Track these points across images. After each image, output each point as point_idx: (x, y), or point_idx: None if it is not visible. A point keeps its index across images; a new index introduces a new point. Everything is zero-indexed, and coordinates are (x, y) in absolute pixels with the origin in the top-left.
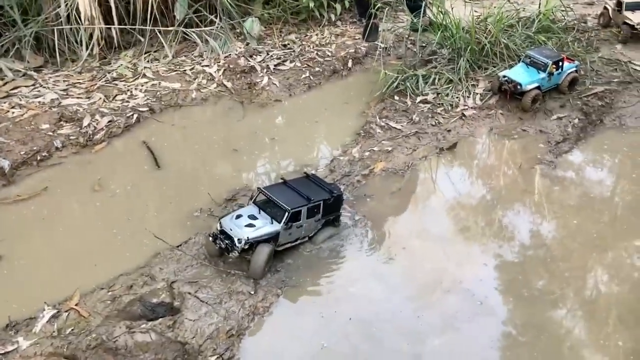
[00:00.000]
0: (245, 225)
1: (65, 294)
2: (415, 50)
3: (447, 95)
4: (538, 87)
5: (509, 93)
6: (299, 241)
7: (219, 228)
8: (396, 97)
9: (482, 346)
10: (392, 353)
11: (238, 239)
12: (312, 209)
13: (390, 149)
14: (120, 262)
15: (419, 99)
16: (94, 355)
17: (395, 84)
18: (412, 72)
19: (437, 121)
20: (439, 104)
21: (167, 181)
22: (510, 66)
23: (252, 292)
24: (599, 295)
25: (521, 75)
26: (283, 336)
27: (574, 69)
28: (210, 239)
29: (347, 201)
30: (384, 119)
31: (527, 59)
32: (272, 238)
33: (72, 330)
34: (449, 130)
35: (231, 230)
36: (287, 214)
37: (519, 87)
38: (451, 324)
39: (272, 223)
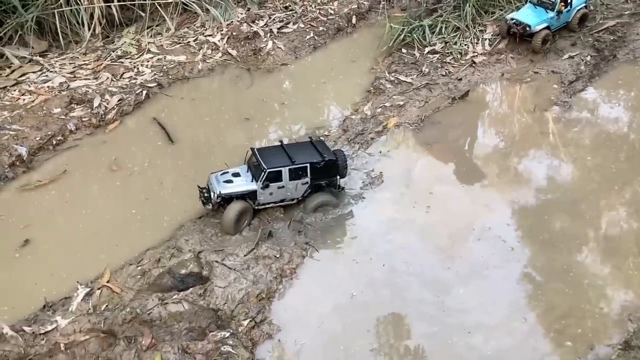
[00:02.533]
0: (224, 181)
1: (96, 272)
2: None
3: (455, 43)
4: (547, 27)
5: (518, 35)
6: (285, 202)
7: (207, 182)
8: (404, 50)
9: (506, 292)
10: (416, 303)
11: (214, 193)
12: (295, 171)
13: (402, 103)
14: (145, 237)
15: (427, 49)
16: (130, 329)
17: (401, 36)
18: (417, 22)
19: (447, 71)
20: (448, 53)
21: (182, 155)
22: (518, 8)
23: (278, 256)
24: (621, 232)
25: (529, 16)
26: (311, 293)
27: (583, 4)
28: (199, 189)
29: (362, 158)
30: (393, 74)
31: None
32: (248, 195)
33: (107, 306)
34: (460, 79)
35: (211, 184)
36: (263, 173)
37: (527, 28)
38: (479, 271)
39: (252, 182)
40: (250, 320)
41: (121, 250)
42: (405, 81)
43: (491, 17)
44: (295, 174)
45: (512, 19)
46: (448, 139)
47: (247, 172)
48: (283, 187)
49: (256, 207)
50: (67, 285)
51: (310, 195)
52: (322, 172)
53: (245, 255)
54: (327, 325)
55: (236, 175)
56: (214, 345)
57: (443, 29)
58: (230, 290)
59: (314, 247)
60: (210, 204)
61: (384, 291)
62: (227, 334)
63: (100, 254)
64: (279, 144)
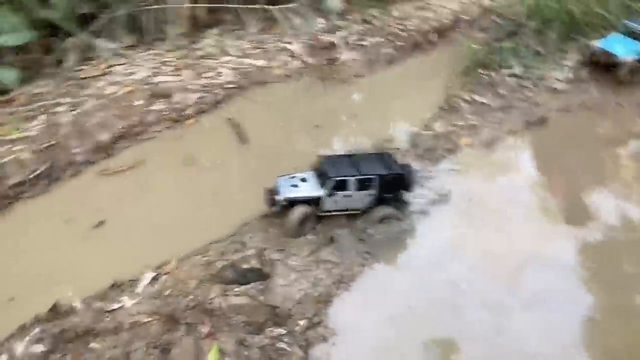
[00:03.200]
0: (291, 185)
1: (163, 258)
2: (500, 22)
3: (536, 68)
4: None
5: (603, 64)
6: (348, 211)
7: (275, 185)
8: (481, 71)
9: (567, 324)
10: (474, 323)
11: (279, 196)
12: (362, 181)
13: (475, 123)
14: (211, 230)
15: (505, 72)
16: (191, 316)
17: (480, 57)
18: (497, 44)
19: (524, 95)
20: (527, 77)
21: (252, 156)
22: (604, 36)
23: (338, 262)
24: None
25: (617, 45)
26: (368, 301)
27: None
28: (266, 190)
29: (430, 175)
30: (468, 93)
31: (624, 29)
32: (314, 201)
33: (171, 292)
34: (538, 104)
35: (278, 187)
36: (329, 181)
37: (614, 58)
38: (542, 300)
39: (317, 188)
40: (307, 321)
41: (188, 241)
42: (481, 101)
43: (575, 44)
44: (361, 185)
45: (598, 47)
46: (519, 163)
47: (314, 178)
48: (349, 196)
49: (319, 214)
50: (134, 268)
51: (375, 207)
52: (389, 185)
53: (307, 257)
54: (382, 333)
55: (303, 180)
56: (270, 340)
57: (523, 53)
58: (290, 290)
59: (374, 257)
60: (276, 206)
61: (441, 307)
62: (284, 332)
63: (168, 242)
64: (349, 153)
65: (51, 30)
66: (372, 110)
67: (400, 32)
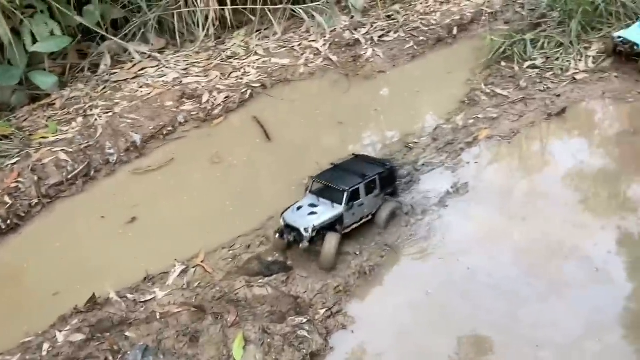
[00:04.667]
0: (308, 214)
1: (192, 252)
2: (523, 13)
3: (557, 59)
4: None
5: (625, 55)
6: (363, 220)
7: (283, 223)
8: (503, 63)
9: (584, 315)
10: (488, 312)
11: (305, 228)
12: (369, 185)
13: (495, 115)
14: (237, 225)
15: (526, 64)
16: (218, 306)
17: (502, 49)
18: (519, 36)
19: (545, 86)
20: (548, 68)
21: (277, 153)
22: (628, 26)
23: (357, 253)
24: None
25: (639, 35)
26: (387, 289)
27: None
28: (277, 235)
29: (450, 167)
30: (489, 86)
31: None
32: (338, 221)
33: (199, 283)
34: (559, 95)
35: (295, 222)
36: (346, 194)
37: (636, 47)
38: (558, 290)
39: (333, 206)
40: (327, 310)
41: (215, 235)
42: (502, 94)
43: (597, 34)
44: (368, 188)
45: (620, 37)
46: (539, 154)
47: (319, 200)
48: (362, 204)
49: (343, 233)
50: (165, 261)
51: (380, 207)
52: (387, 180)
53: None
54: (400, 319)
55: (313, 205)
56: (291, 329)
57: (545, 44)
58: (311, 281)
59: (393, 248)
60: (305, 241)
61: (459, 294)
62: (304, 320)
63: (197, 236)
64: (333, 165)
65: (85, 36)
66: (394, 105)
67: (423, 27)
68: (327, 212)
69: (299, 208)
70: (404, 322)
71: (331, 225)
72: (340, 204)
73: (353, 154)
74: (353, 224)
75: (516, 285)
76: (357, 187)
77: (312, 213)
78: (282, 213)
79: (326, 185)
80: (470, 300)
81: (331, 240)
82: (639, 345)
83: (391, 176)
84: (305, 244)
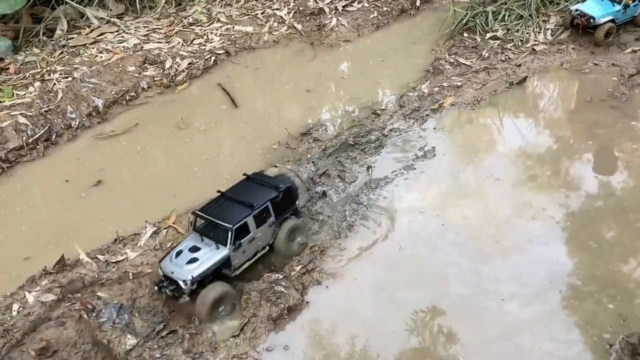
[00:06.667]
0: (187, 262)
1: (161, 214)
2: None
3: (518, 31)
4: (612, 20)
5: (582, 27)
6: (259, 254)
7: (161, 273)
8: (465, 35)
9: (543, 270)
10: (451, 265)
11: (183, 281)
12: (260, 215)
13: (459, 84)
14: (207, 188)
15: (488, 35)
16: None
17: (464, 20)
18: (482, 8)
19: (506, 57)
20: (509, 39)
21: (244, 119)
22: (583, 0)
23: (330, 215)
24: None
25: (594, 8)
26: (362, 245)
27: None
28: (156, 288)
29: (416, 133)
30: (453, 56)
31: None
32: (224, 264)
33: (171, 244)
34: (519, 65)
35: (172, 273)
36: (230, 232)
37: (592, 20)
38: (520, 246)
39: (217, 248)
40: (302, 267)
41: (184, 198)
42: (465, 64)
43: (556, 7)
44: (260, 219)
45: (577, 10)
46: (503, 121)
47: (203, 240)
48: (254, 238)
49: (233, 275)
50: (134, 224)
51: (276, 236)
52: (283, 204)
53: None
54: (375, 275)
55: (194, 249)
56: (267, 285)
57: (506, 17)
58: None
59: (366, 206)
60: (185, 296)
61: (430, 248)
62: (280, 277)
63: (165, 200)
64: (219, 193)
65: None
66: (360, 74)
67: None
68: (210, 256)
69: (178, 254)
70: (378, 277)
71: (217, 271)
72: (226, 244)
73: (244, 174)
74: (246, 262)
75: (482, 244)
76: (243, 221)
77: (193, 260)
78: (160, 260)
79: (209, 222)
80: (441, 255)
81: (210, 293)
82: (595, 298)
83: (288, 197)
84: (184, 299)
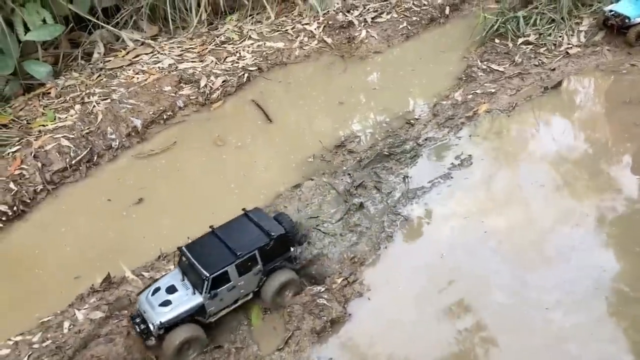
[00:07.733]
0: (160, 305)
1: (201, 231)
2: None
3: (550, 35)
4: None
5: (616, 28)
6: (240, 301)
7: (137, 307)
8: (497, 41)
9: (587, 277)
10: (493, 273)
11: (152, 324)
12: (244, 264)
13: (493, 90)
14: (248, 202)
15: (520, 40)
16: None
17: (495, 27)
18: (512, 14)
19: (540, 61)
20: (542, 44)
21: (279, 134)
22: (617, 0)
23: (369, 226)
24: None
25: (629, 8)
26: (402, 256)
27: None
28: (130, 320)
29: (452, 141)
30: (485, 62)
31: None
32: (198, 311)
33: None
34: (553, 70)
35: (145, 312)
36: (206, 282)
37: (627, 20)
38: (564, 253)
39: (194, 293)
40: (344, 279)
41: (223, 214)
42: (498, 70)
43: (588, 9)
44: (244, 267)
45: (611, 11)
46: (539, 126)
47: (183, 280)
48: (234, 287)
49: (208, 322)
50: (175, 241)
51: (266, 282)
52: (273, 251)
53: (336, 222)
54: (415, 282)
55: (171, 290)
56: (310, 298)
57: (538, 21)
58: (326, 252)
59: (404, 217)
60: (152, 338)
61: (471, 256)
62: (322, 289)
63: (205, 216)
64: (211, 230)
65: (77, 25)
66: (392, 84)
67: (415, 7)
68: (184, 302)
69: (156, 290)
70: (419, 284)
71: (191, 317)
72: (202, 292)
73: (243, 210)
74: (224, 308)
75: (524, 250)
76: (222, 271)
77: (166, 303)
78: (139, 293)
79: (190, 263)
80: (482, 262)
81: (172, 340)
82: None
83: (282, 244)
84: (152, 342)
